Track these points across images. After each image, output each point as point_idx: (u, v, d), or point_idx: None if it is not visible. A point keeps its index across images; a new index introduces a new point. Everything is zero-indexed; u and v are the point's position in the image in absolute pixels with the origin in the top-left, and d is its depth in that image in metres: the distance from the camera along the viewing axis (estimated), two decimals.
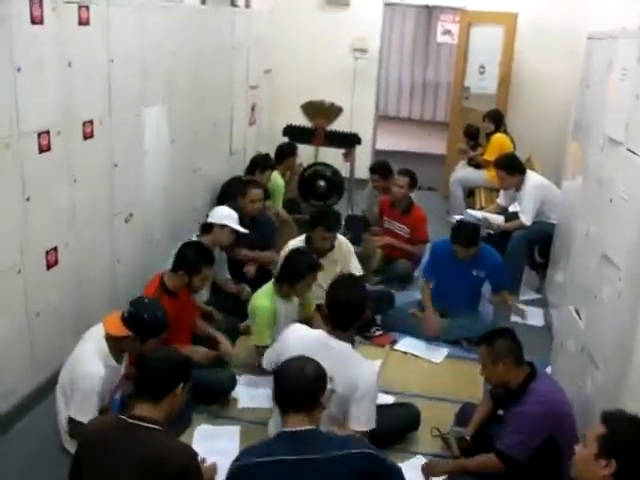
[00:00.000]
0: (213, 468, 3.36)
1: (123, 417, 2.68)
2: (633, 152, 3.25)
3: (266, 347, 4.17)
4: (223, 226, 4.80)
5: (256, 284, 4.93)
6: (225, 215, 4.87)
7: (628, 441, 2.37)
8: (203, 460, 3.25)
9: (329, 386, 2.97)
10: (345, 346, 3.40)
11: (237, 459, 2.68)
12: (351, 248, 5.38)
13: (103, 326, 3.47)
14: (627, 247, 3.18)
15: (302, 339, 3.45)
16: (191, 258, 4.18)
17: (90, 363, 3.34)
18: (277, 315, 4.42)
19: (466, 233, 5.11)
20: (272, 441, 2.75)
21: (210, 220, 4.85)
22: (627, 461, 2.32)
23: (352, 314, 3.53)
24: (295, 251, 4.67)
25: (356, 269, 5.20)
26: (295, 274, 4.40)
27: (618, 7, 6.09)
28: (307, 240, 5.10)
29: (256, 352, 4.45)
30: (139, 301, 3.53)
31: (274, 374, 2.85)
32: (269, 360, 3.75)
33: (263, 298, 4.45)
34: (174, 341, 4.06)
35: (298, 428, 2.65)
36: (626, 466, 2.32)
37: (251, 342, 4.54)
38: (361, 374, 3.32)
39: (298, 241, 5.17)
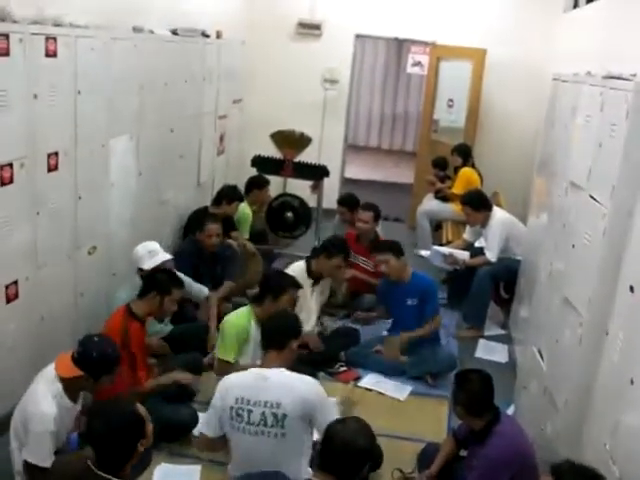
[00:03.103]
0: None
1: (91, 466, 2.62)
2: (595, 199, 3.29)
3: (227, 364, 4.24)
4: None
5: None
6: (147, 252, 4.76)
7: None
8: None
9: (280, 411, 3.18)
10: (277, 370, 3.40)
11: None
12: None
13: (55, 367, 3.40)
14: (588, 294, 3.22)
15: (239, 382, 3.40)
16: (162, 280, 4.23)
17: (42, 403, 3.26)
18: (249, 337, 4.39)
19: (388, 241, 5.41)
20: None
21: (138, 266, 4.74)
22: None
23: (281, 336, 3.59)
24: (274, 272, 4.85)
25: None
26: (278, 288, 4.44)
27: (582, 50, 6.22)
28: (307, 262, 5.30)
29: (217, 367, 4.43)
30: (88, 339, 3.44)
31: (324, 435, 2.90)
32: (207, 423, 3.59)
33: (238, 316, 4.46)
34: (142, 367, 4.08)
35: None
36: None
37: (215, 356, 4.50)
38: (303, 388, 3.33)
39: (297, 266, 5.30)
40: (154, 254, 4.77)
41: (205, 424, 3.50)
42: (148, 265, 4.67)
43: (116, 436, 2.67)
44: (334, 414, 3.33)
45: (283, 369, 3.42)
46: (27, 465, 3.25)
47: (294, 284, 4.57)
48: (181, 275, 4.90)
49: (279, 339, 3.56)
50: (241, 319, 4.42)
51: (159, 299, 4.17)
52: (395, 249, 5.26)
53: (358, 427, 2.87)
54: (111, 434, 2.66)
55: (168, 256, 4.86)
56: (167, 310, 4.30)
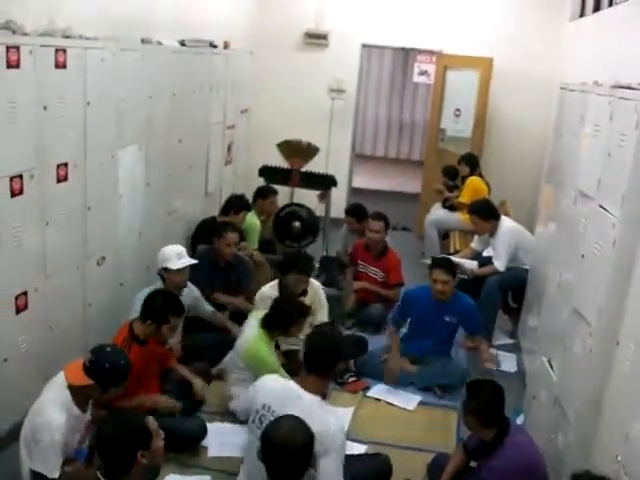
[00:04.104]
0: None
1: (99, 476, 2.66)
2: (605, 209, 3.29)
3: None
4: (180, 270, 4.75)
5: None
6: (176, 254, 4.80)
7: None
8: None
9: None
10: (314, 398, 3.33)
11: None
12: (323, 298, 5.40)
13: (64, 375, 3.39)
14: (598, 304, 3.20)
15: (272, 388, 3.39)
16: (159, 308, 4.14)
17: (50, 413, 3.25)
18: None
19: (443, 261, 5.30)
20: None
21: (164, 266, 4.75)
22: None
23: (327, 360, 3.45)
24: (283, 299, 4.71)
25: (324, 318, 5.31)
26: (287, 320, 4.44)
27: (590, 59, 6.22)
28: (280, 285, 5.10)
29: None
30: (100, 349, 3.43)
31: (262, 439, 2.83)
32: (241, 409, 3.67)
33: (257, 342, 4.43)
34: (141, 390, 4.03)
35: None
36: None
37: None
38: (327, 427, 3.18)
39: (269, 287, 5.18)
40: (182, 256, 4.79)
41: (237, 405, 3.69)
42: (175, 265, 4.69)
43: (117, 441, 2.73)
44: (337, 471, 3.22)
45: (320, 399, 3.33)
46: (34, 475, 3.25)
47: (304, 314, 4.56)
48: (192, 289, 4.93)
49: (324, 364, 3.41)
50: (261, 343, 4.43)
51: (155, 327, 4.12)
52: (454, 271, 5.25)
53: (292, 425, 2.85)
54: (113, 439, 2.73)
55: (194, 261, 4.88)
56: (165, 336, 4.25)
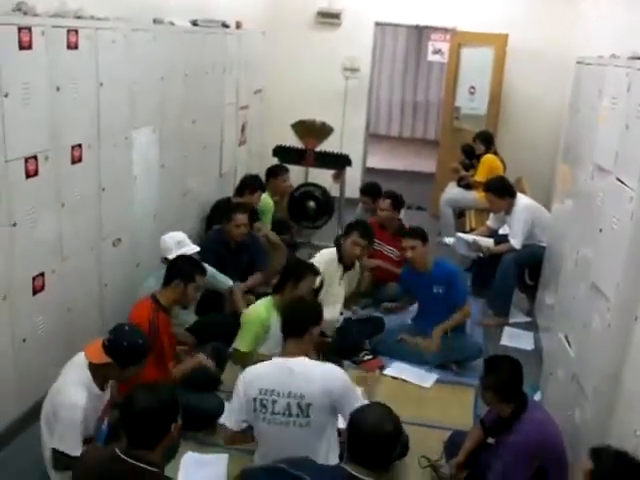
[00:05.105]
0: None
1: (120, 455, 2.63)
2: (622, 182, 3.25)
3: (244, 355, 4.29)
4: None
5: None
6: (176, 243, 4.79)
7: (615, 476, 2.37)
8: None
9: (304, 401, 3.18)
10: (302, 360, 3.38)
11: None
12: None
13: (84, 354, 3.43)
14: (616, 279, 3.17)
15: (262, 373, 3.40)
16: (185, 267, 4.23)
17: (71, 392, 3.29)
18: (270, 327, 4.38)
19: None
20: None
21: (164, 256, 4.75)
22: None
23: (298, 324, 3.52)
24: (293, 259, 4.86)
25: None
26: (298, 274, 4.43)
27: (606, 33, 6.13)
28: (337, 248, 5.31)
29: (233, 357, 4.50)
30: (119, 328, 3.48)
31: (351, 430, 2.78)
32: (229, 416, 3.58)
33: (259, 307, 4.46)
34: (169, 359, 4.12)
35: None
36: None
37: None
38: (327, 377, 3.31)
39: (327, 252, 5.35)
40: (182, 245, 4.79)
41: (227, 417, 3.52)
42: (175, 255, 4.67)
43: (156, 412, 2.69)
44: (359, 399, 3.31)
45: (304, 358, 3.40)
46: (55, 453, 3.29)
47: (313, 270, 4.55)
48: (206, 266, 4.92)
49: (298, 326, 3.51)
50: (261, 310, 4.42)
51: (182, 286, 4.16)
52: (423, 236, 5.24)
53: (383, 412, 2.80)
54: (151, 409, 2.69)
55: (196, 248, 4.87)
56: (191, 297, 4.29)
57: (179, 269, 4.23)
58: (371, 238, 5.43)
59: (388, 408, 2.83)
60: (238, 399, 3.40)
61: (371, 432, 2.68)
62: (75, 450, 3.23)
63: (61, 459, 3.26)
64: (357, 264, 5.46)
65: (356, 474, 2.66)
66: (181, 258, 4.40)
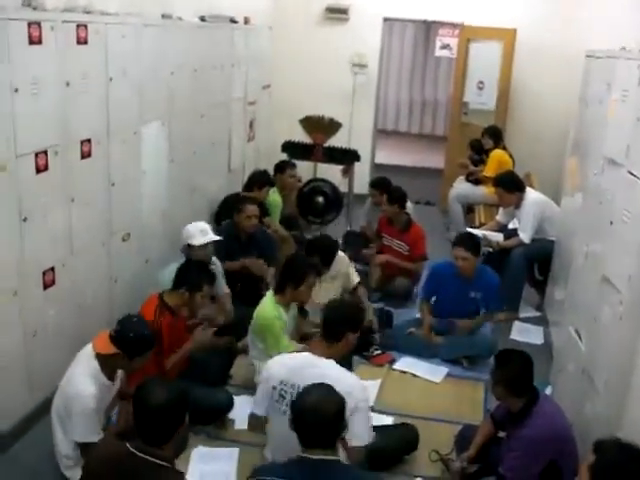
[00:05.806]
0: None
1: (131, 449, 2.63)
2: (634, 175, 3.23)
3: None
4: (203, 246, 4.77)
5: (247, 300, 5.00)
6: (199, 231, 4.83)
7: (616, 469, 2.32)
8: None
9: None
10: (330, 362, 3.36)
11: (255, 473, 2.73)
12: (348, 262, 5.46)
13: (92, 345, 3.46)
14: (628, 271, 3.16)
15: (285, 364, 3.39)
16: (193, 276, 4.19)
17: (81, 383, 3.32)
18: (285, 322, 4.36)
19: (465, 238, 5.23)
20: (292, 465, 2.74)
21: (188, 242, 4.77)
22: None
23: (338, 329, 3.48)
24: (293, 255, 4.79)
25: (356, 279, 5.40)
26: (298, 275, 4.35)
27: (615, 26, 6.11)
28: None
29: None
30: (127, 319, 3.51)
31: (292, 409, 2.80)
32: (257, 401, 3.57)
33: (268, 310, 4.35)
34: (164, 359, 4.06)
35: (322, 457, 2.68)
36: None
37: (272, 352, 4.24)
38: (348, 389, 3.17)
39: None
40: (205, 233, 4.83)
41: (255, 404, 3.50)
42: (199, 242, 4.72)
43: (168, 409, 2.68)
44: (368, 422, 3.26)
45: (333, 361, 3.36)
46: (80, 446, 3.34)
47: (313, 270, 4.49)
48: (218, 265, 4.96)
49: (336, 330, 3.47)
50: (270, 309, 4.33)
51: (188, 295, 4.14)
52: (477, 249, 5.16)
53: (322, 393, 2.80)
54: (165, 407, 2.67)
55: (218, 237, 4.91)
56: (197, 305, 4.24)
57: (186, 277, 4.18)
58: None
59: (329, 388, 2.82)
60: (261, 386, 3.41)
61: (313, 415, 2.71)
62: (94, 437, 3.27)
63: (86, 450, 3.27)
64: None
65: (315, 457, 2.68)
66: (192, 264, 4.36)
